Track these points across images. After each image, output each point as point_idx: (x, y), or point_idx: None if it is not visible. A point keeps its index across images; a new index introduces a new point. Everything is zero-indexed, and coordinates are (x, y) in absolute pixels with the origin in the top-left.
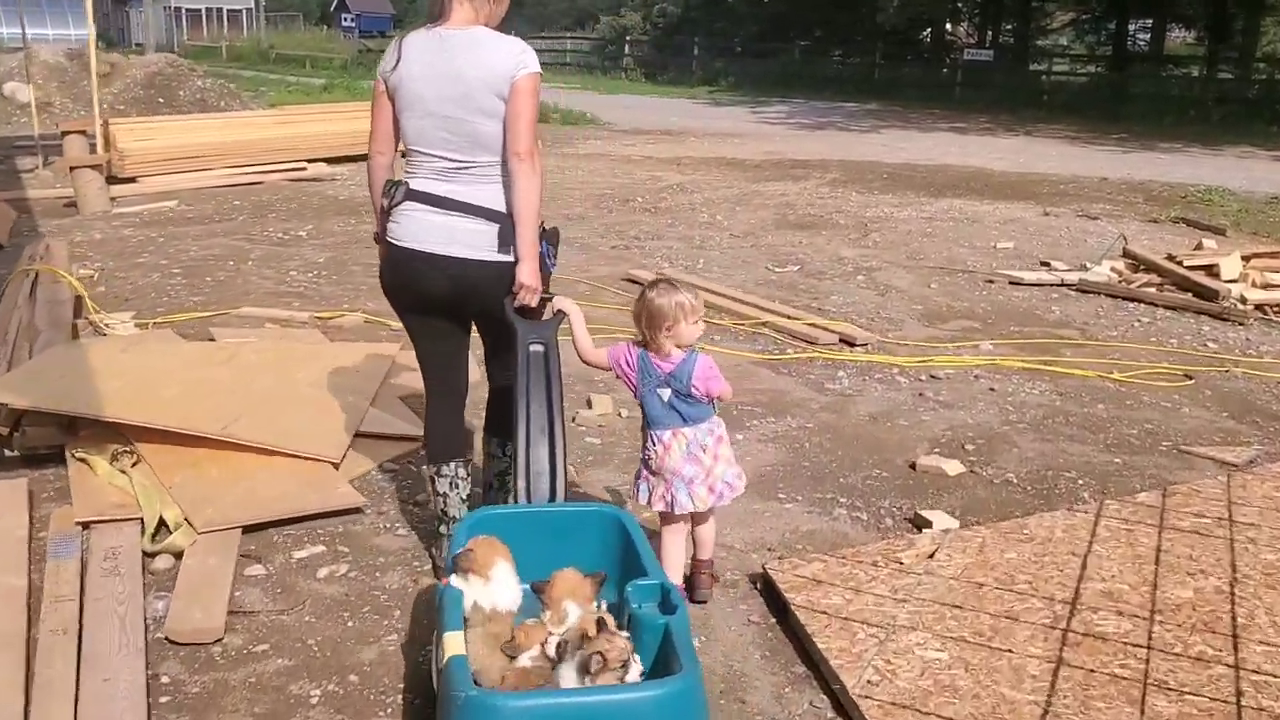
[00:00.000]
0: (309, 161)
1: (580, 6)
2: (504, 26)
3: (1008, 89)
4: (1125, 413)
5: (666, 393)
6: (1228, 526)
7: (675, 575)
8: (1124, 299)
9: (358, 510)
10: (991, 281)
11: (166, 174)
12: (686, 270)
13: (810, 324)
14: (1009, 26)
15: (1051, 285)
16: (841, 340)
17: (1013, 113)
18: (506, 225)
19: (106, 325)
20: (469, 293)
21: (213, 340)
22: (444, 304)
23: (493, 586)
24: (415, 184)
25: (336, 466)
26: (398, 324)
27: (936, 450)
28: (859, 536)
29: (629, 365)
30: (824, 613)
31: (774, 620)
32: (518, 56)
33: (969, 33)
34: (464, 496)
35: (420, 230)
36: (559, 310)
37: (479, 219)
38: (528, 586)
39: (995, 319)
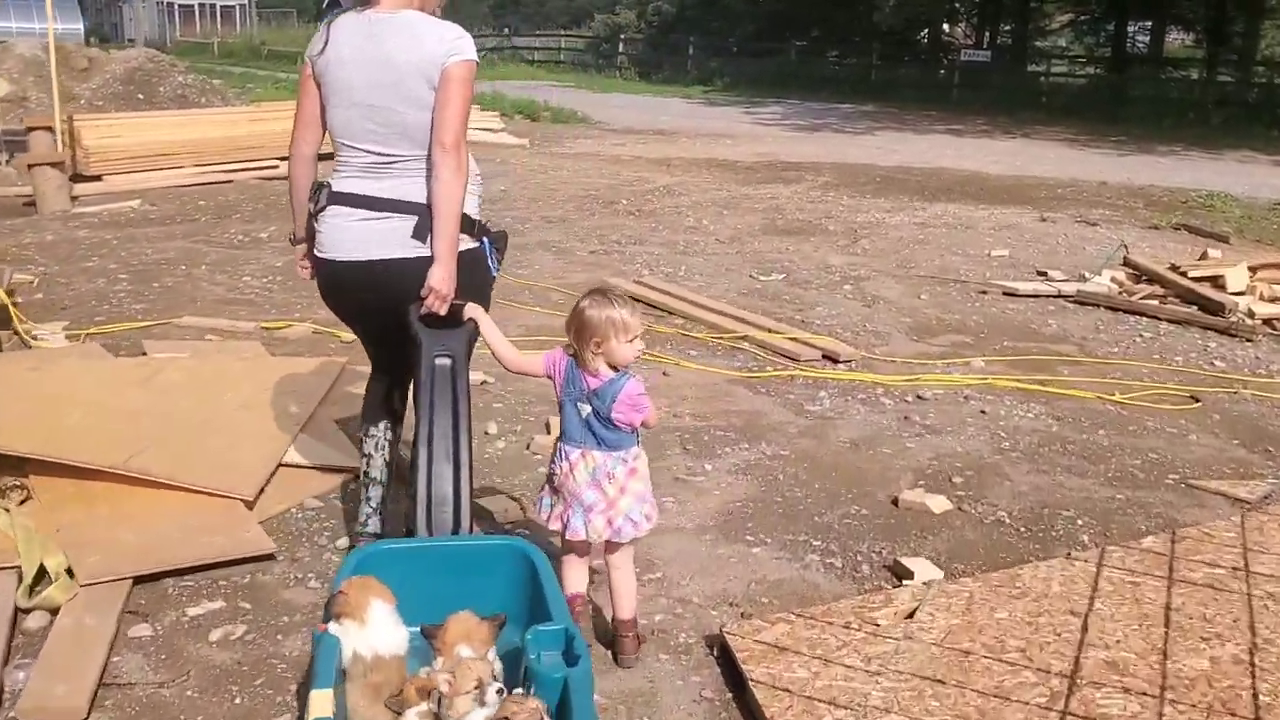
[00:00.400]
0: (281, 159)
1: (577, 5)
2: (459, 17)
3: (1005, 90)
4: (1127, 440)
5: (586, 409)
6: (1244, 579)
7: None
8: (1125, 312)
9: (268, 557)
10: (985, 292)
11: (133, 172)
12: (667, 278)
13: (792, 339)
14: (1007, 27)
15: (1048, 296)
16: (825, 357)
17: (1010, 115)
18: (426, 217)
19: (33, 337)
20: (396, 295)
21: (143, 355)
22: (377, 313)
23: (370, 631)
24: (338, 184)
25: (250, 505)
26: (348, 335)
27: (921, 483)
28: (832, 588)
29: (557, 369)
30: (786, 690)
31: (730, 696)
32: (451, 42)
33: (966, 33)
34: (387, 459)
35: (339, 238)
36: (469, 319)
37: (398, 215)
38: (418, 629)
39: (988, 333)
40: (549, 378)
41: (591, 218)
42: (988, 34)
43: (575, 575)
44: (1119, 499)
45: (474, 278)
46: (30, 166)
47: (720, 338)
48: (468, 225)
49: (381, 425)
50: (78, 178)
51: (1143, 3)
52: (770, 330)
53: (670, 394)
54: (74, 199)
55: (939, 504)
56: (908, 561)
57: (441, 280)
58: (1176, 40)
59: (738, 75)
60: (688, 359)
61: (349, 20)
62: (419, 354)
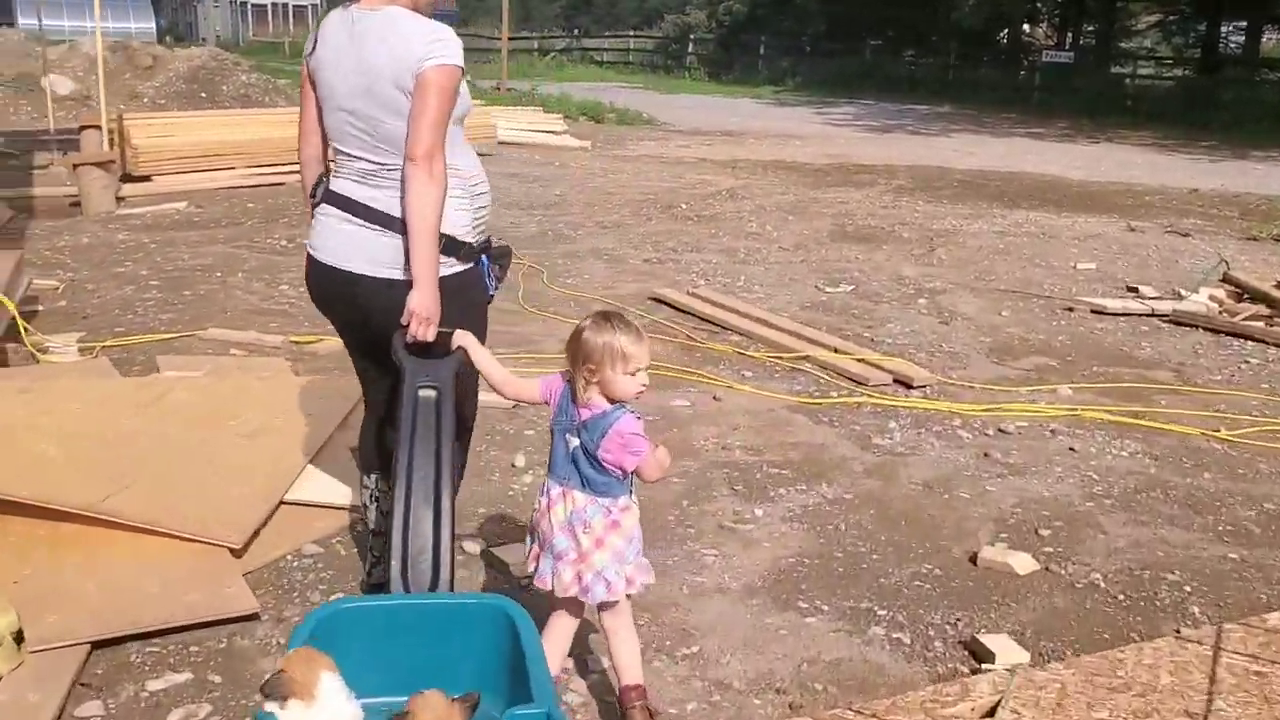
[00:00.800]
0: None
1: (649, 6)
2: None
3: (1088, 93)
4: (1238, 485)
5: (574, 442)
6: None
7: (554, 665)
8: (1227, 334)
9: (251, 618)
10: (1071, 309)
11: (184, 173)
12: (723, 288)
13: (860, 360)
14: (1091, 27)
15: (1140, 315)
16: (896, 381)
17: (1093, 118)
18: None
19: (43, 350)
20: (368, 315)
21: (155, 372)
22: (356, 326)
23: (318, 710)
24: (334, 183)
25: (239, 553)
26: None
27: (1003, 537)
28: (898, 670)
29: (554, 396)
30: None
31: None
32: (429, 45)
33: (1048, 33)
34: (385, 510)
35: (325, 238)
36: (458, 347)
37: (385, 231)
38: (381, 703)
39: (1075, 356)
40: (546, 403)
41: (648, 223)
42: (1070, 34)
43: (558, 638)
44: (1232, 559)
45: (465, 302)
46: (76, 166)
47: (779, 357)
48: (452, 247)
49: (374, 476)
50: (128, 178)
51: (1237, 2)
52: (835, 350)
53: (721, 422)
54: (120, 200)
55: (1024, 564)
56: (988, 640)
57: (422, 304)
58: (1270, 40)
59: (809, 75)
60: (742, 381)
61: (335, 18)
62: (402, 385)
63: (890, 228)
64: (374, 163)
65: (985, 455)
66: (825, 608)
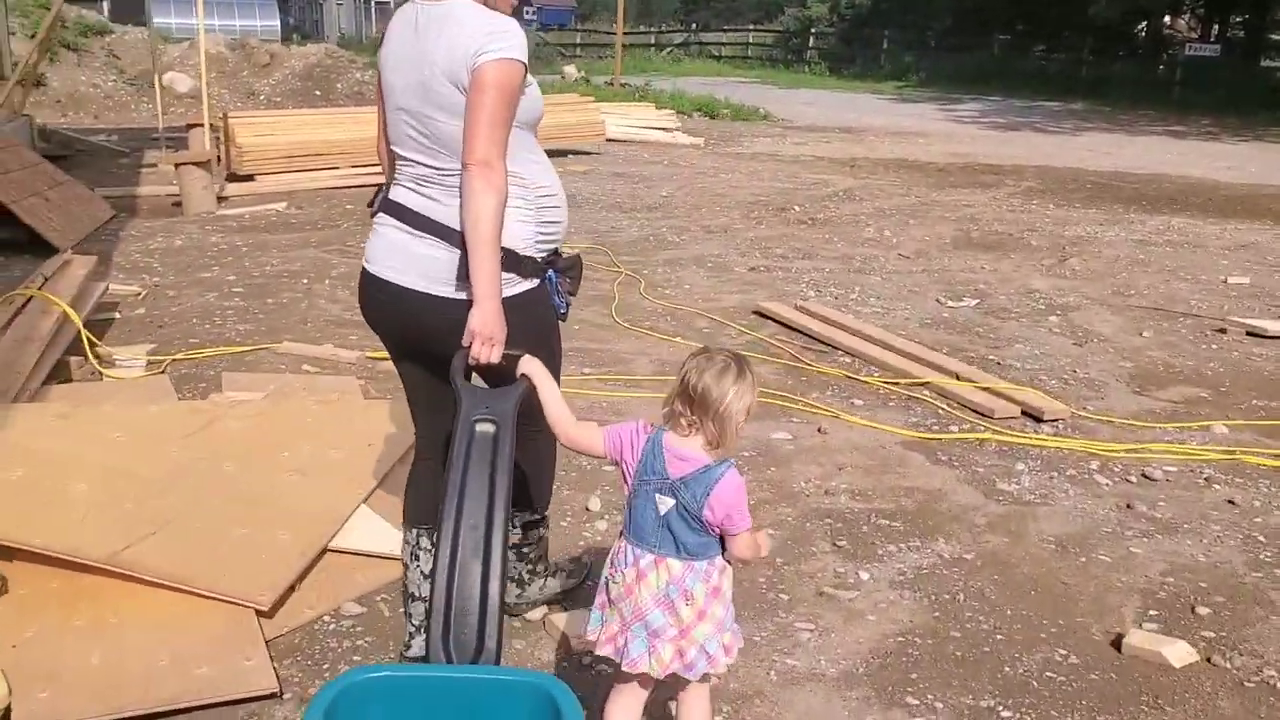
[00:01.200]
0: None
1: (770, 0)
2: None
3: (1235, 88)
4: None
5: (668, 503)
6: None
7: None
8: None
9: (270, 697)
10: (1223, 331)
11: (288, 172)
12: (835, 301)
13: (985, 388)
14: (1239, 19)
15: None
16: (1025, 413)
17: (1240, 115)
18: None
19: (109, 364)
20: (423, 337)
21: (219, 390)
22: (403, 346)
23: None
24: (393, 193)
25: (268, 612)
26: None
27: (1153, 615)
28: None
29: (631, 449)
30: None
31: None
32: (485, 37)
33: (1191, 26)
34: (425, 572)
35: (381, 250)
36: (522, 375)
37: (441, 243)
38: None
39: (1230, 387)
40: (614, 462)
41: (758, 227)
42: (1216, 26)
43: (626, 715)
44: None
45: (529, 322)
46: (177, 166)
47: (894, 383)
48: (512, 263)
49: (415, 532)
50: (233, 177)
51: None
52: (958, 376)
53: (825, 460)
54: (222, 200)
55: (1179, 654)
56: None
57: (484, 322)
58: None
59: (934, 70)
60: (852, 410)
61: (403, 12)
62: (456, 415)
63: (1019, 234)
64: (430, 167)
65: (1128, 507)
66: (939, 704)
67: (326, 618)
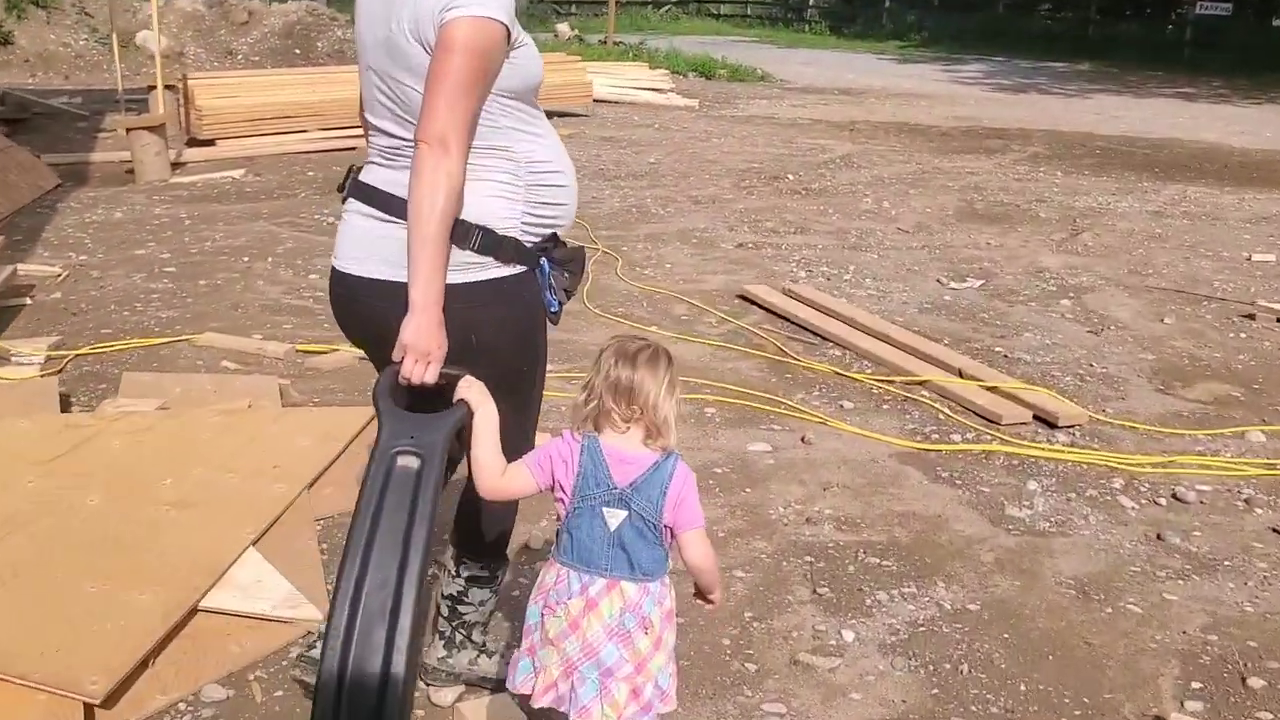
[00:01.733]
0: None
1: None
2: None
3: (1248, 49)
4: None
5: (619, 516)
6: None
7: None
8: None
9: None
10: (1251, 317)
11: (252, 136)
12: (827, 283)
13: (992, 388)
14: None
15: None
16: (1036, 418)
17: (1252, 77)
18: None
19: (4, 361)
20: (387, 333)
21: (115, 394)
22: (380, 349)
23: None
24: (364, 172)
25: (104, 705)
26: None
27: (1195, 688)
28: None
29: (564, 466)
30: None
31: None
32: None
33: None
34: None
35: (346, 241)
36: (459, 400)
37: (396, 219)
38: None
39: (1264, 384)
40: (547, 489)
41: (749, 197)
42: None
43: None
44: None
45: (507, 317)
46: (128, 131)
47: (889, 381)
48: (490, 244)
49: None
50: (195, 142)
51: None
52: (961, 373)
53: (809, 478)
54: (178, 166)
55: None
56: None
57: (417, 334)
58: None
59: (937, 29)
60: (841, 414)
61: None
62: (375, 445)
63: (1026, 205)
64: (400, 139)
65: (1158, 538)
66: None
67: (183, 704)
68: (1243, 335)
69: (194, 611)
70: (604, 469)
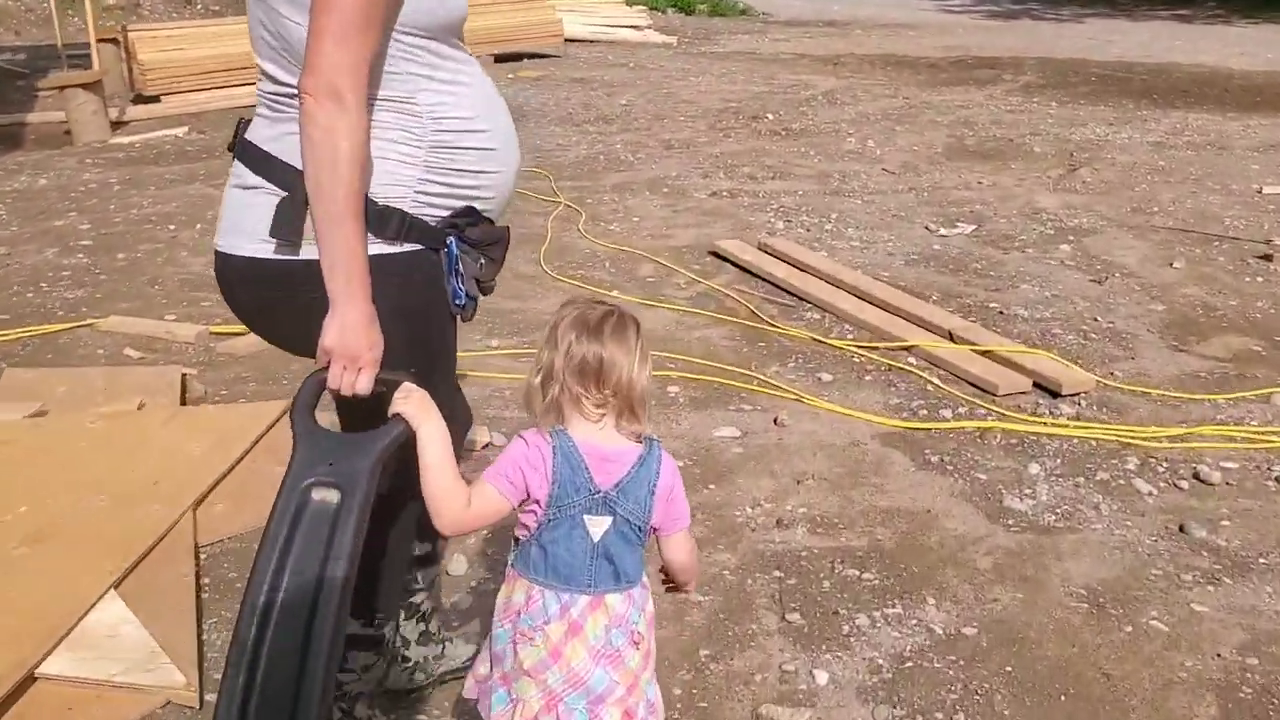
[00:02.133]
0: None
1: None
2: None
3: None
4: None
5: (603, 524)
6: None
7: None
8: None
9: None
10: (1267, 258)
11: (201, 90)
12: (807, 235)
13: (986, 352)
14: None
15: None
16: (1037, 386)
17: None
18: (300, 194)
19: None
20: (280, 331)
21: None
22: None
23: None
24: (250, 127)
25: None
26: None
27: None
28: None
29: (539, 474)
30: None
31: None
32: None
33: None
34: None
35: (222, 211)
36: (394, 415)
37: (270, 186)
38: None
39: None
40: (518, 504)
41: (725, 140)
42: None
43: None
44: None
45: (388, 303)
46: (61, 89)
47: (872, 347)
48: (377, 218)
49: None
50: (141, 99)
51: None
52: (951, 336)
53: (781, 468)
54: (120, 125)
55: None
56: None
57: (342, 335)
58: None
59: None
60: (819, 389)
61: None
62: (286, 474)
63: (1019, 139)
64: (282, 84)
65: (1180, 530)
66: None
67: None
68: (1259, 279)
69: (31, 678)
70: (583, 471)
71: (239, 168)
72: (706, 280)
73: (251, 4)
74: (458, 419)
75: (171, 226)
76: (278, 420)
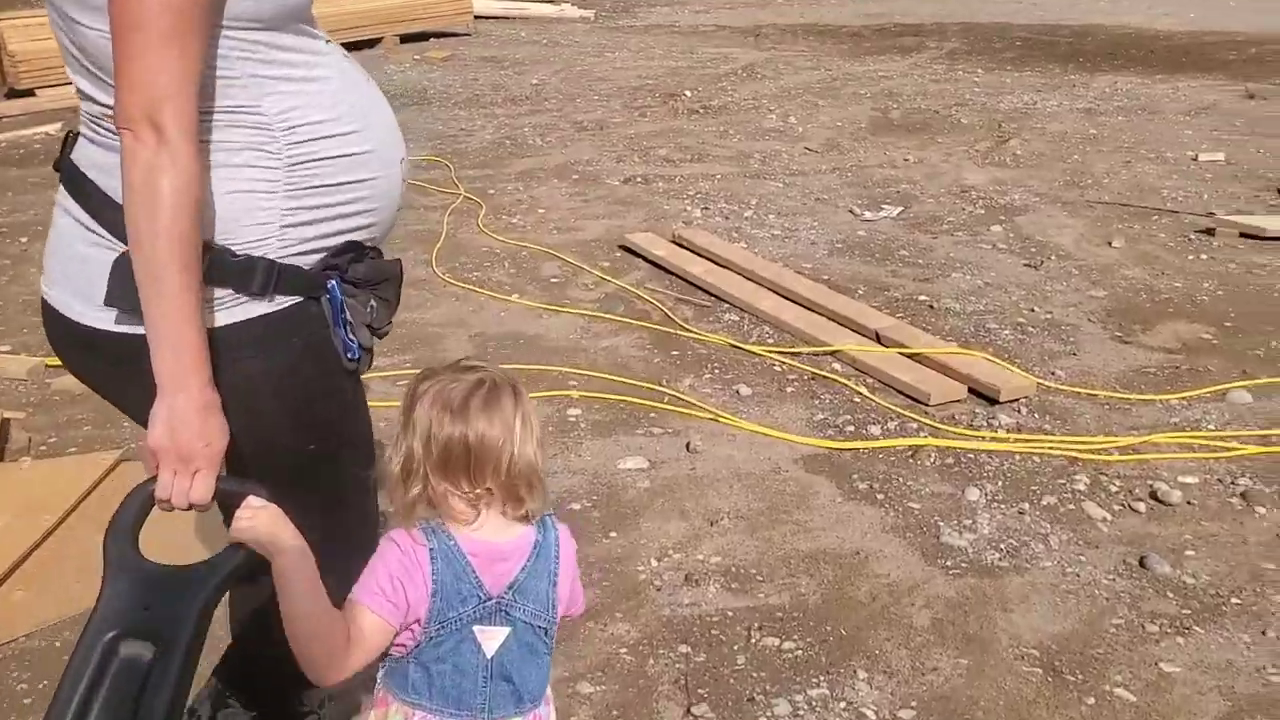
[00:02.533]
0: None
1: None
2: None
3: None
4: None
5: (499, 635)
6: None
7: None
8: None
9: None
10: (1209, 232)
11: None
12: (725, 223)
13: (915, 356)
14: None
15: None
16: (973, 392)
17: None
18: None
19: None
20: (97, 390)
21: None
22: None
23: None
24: (77, 145)
25: None
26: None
27: None
28: None
29: (418, 589)
30: None
31: None
32: None
33: None
34: None
35: (47, 248)
36: (235, 545)
37: (105, 235)
38: None
39: (1237, 319)
40: (402, 627)
41: (640, 120)
42: None
43: None
44: None
45: (269, 373)
46: None
47: (795, 353)
48: (230, 269)
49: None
50: (15, 94)
51: None
52: (878, 337)
53: (693, 506)
54: None
55: None
56: None
57: (171, 432)
58: None
59: None
60: (736, 406)
61: None
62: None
63: (946, 110)
64: (98, 104)
65: (1141, 564)
66: None
67: None
68: (1203, 256)
69: None
70: (469, 576)
71: (67, 197)
72: (616, 279)
73: (50, 11)
74: (360, 542)
75: (23, 239)
76: (106, 475)
